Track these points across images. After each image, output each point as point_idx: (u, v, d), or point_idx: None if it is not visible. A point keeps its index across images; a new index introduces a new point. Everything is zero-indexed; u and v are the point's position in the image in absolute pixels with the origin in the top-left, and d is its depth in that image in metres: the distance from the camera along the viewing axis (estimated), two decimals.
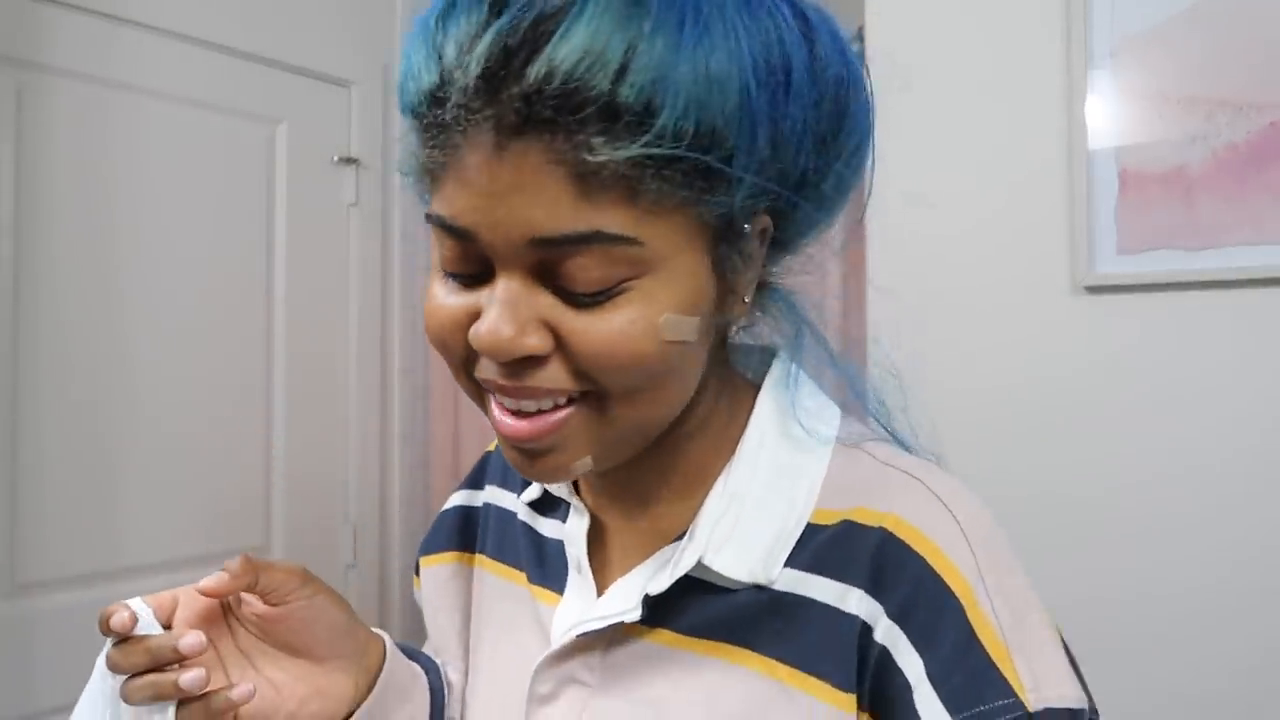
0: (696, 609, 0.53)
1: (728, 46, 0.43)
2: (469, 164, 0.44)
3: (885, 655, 0.48)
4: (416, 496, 2.26)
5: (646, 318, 0.45)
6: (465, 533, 0.72)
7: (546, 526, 0.64)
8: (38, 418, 1.65)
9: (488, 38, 0.42)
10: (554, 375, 0.46)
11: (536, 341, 0.46)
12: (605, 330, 0.45)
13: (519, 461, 0.50)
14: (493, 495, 0.71)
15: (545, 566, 0.62)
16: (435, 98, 0.44)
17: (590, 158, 0.42)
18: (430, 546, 0.73)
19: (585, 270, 0.44)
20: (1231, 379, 1.19)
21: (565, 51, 0.41)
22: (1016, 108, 1.32)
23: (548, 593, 0.61)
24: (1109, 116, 1.25)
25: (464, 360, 0.49)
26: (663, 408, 0.50)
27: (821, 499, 0.53)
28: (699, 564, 0.52)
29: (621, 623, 0.54)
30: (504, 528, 0.68)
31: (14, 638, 1.60)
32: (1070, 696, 0.47)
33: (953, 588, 0.48)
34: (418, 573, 0.75)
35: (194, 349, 1.87)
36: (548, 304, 0.46)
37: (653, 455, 0.54)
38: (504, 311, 0.45)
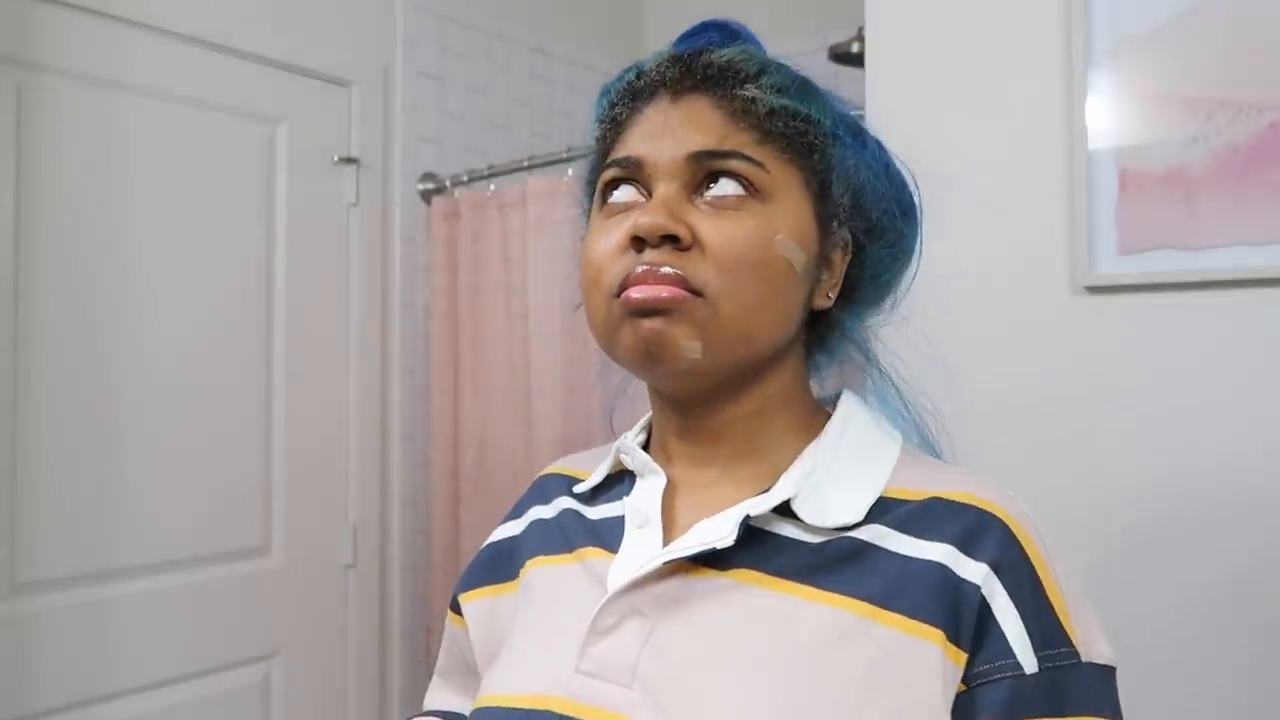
0: (773, 555, 0.60)
1: (826, 97, 0.66)
2: (649, 114, 0.64)
3: (984, 602, 0.57)
4: (417, 496, 2.26)
5: (764, 230, 0.61)
6: (496, 567, 0.75)
7: (596, 512, 0.70)
8: (37, 417, 1.65)
9: (673, 50, 0.67)
10: (686, 263, 0.59)
11: (682, 229, 0.59)
12: (733, 229, 0.60)
13: (636, 335, 0.60)
14: (535, 514, 0.76)
15: (598, 536, 0.68)
16: (630, 82, 0.66)
17: (741, 92, 0.62)
18: (469, 583, 0.76)
19: (723, 184, 0.61)
20: (1232, 380, 1.19)
21: (724, 54, 0.64)
22: (1016, 108, 1.32)
23: (599, 550, 0.67)
24: (1109, 116, 1.25)
25: (612, 286, 0.61)
26: (761, 324, 0.62)
27: (893, 480, 0.63)
28: (785, 504, 0.60)
29: (699, 560, 0.60)
30: (548, 529, 0.73)
31: (13, 638, 1.60)
32: (1108, 655, 0.60)
33: (1030, 557, 0.59)
34: (457, 610, 0.77)
35: (194, 349, 1.87)
36: (692, 211, 0.61)
37: (742, 422, 0.65)
38: (659, 205, 0.60)
